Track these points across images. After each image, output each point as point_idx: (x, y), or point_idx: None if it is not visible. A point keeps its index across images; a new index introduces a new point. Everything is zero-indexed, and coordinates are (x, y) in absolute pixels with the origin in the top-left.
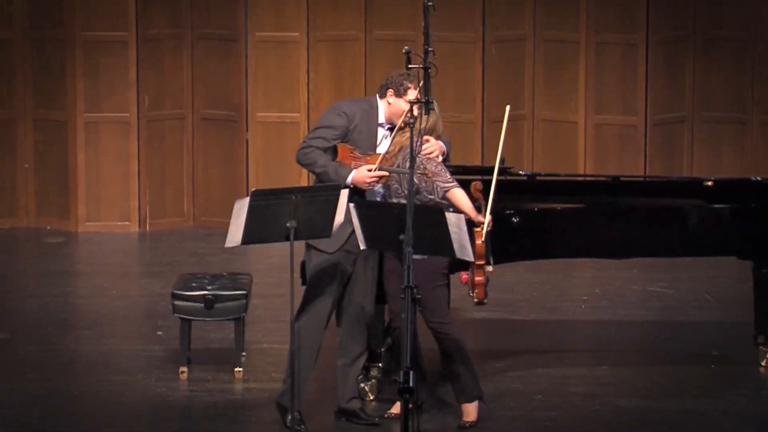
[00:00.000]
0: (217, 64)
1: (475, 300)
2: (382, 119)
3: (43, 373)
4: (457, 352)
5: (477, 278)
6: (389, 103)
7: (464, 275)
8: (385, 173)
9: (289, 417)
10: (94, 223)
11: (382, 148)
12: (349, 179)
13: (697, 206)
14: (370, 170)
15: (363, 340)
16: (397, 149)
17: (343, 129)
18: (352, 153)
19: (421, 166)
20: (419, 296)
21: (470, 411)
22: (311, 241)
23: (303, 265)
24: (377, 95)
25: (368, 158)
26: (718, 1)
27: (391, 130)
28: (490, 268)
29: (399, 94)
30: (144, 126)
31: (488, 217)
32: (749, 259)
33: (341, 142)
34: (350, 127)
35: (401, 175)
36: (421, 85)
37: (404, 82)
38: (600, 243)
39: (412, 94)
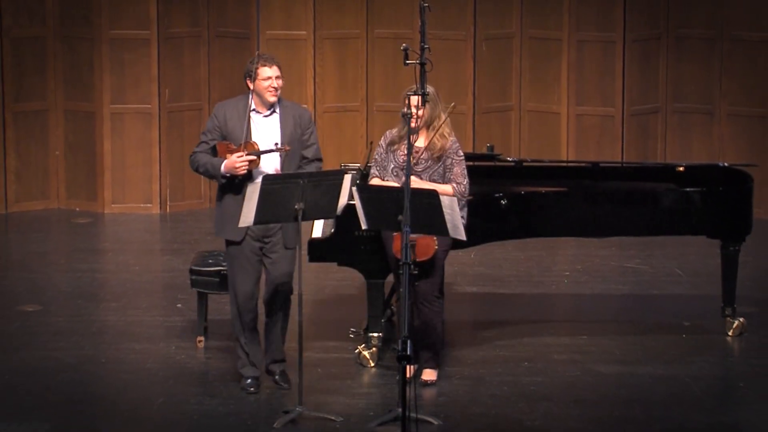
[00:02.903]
0: (232, 60)
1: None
2: (253, 106)
3: (73, 341)
4: (439, 325)
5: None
6: (252, 90)
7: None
8: (254, 157)
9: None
10: (119, 205)
11: (263, 135)
12: (223, 169)
13: (670, 189)
14: (240, 157)
15: (281, 304)
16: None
17: (215, 128)
18: (228, 147)
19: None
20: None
21: (433, 373)
22: (222, 235)
23: (310, 242)
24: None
25: (240, 147)
26: (689, 2)
27: (273, 109)
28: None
29: (253, 79)
30: (165, 116)
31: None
32: (717, 238)
33: (221, 140)
34: (221, 125)
35: (425, 171)
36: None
37: (252, 67)
38: (581, 223)
39: (264, 71)
